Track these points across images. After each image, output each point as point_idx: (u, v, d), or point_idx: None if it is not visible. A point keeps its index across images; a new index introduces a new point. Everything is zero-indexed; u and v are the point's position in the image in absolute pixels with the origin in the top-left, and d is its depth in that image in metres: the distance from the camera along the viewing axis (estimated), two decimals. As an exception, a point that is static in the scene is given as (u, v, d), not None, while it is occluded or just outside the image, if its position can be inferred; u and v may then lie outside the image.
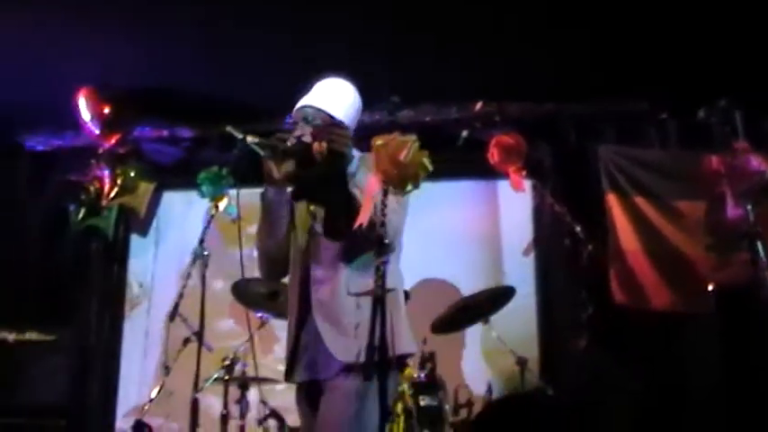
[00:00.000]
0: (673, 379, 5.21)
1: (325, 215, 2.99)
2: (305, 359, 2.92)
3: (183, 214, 6.40)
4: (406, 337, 2.95)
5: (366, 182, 2.80)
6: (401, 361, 2.97)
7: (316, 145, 2.79)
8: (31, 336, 5.53)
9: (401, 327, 2.93)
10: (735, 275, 4.76)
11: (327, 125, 2.86)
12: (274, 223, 3.01)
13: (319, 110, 2.99)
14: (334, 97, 3.06)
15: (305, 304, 2.93)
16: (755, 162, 4.34)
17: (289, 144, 2.82)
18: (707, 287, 5.16)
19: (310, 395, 2.94)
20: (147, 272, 6.38)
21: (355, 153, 2.92)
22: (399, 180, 2.71)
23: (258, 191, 6.41)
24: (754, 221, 3.31)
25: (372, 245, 2.69)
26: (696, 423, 5.00)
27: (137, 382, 6.13)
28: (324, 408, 2.83)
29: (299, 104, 3.05)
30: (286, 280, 3.11)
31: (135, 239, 6.56)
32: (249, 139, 2.85)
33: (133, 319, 6.34)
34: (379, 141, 2.78)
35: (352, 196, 2.75)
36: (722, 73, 5.05)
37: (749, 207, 3.31)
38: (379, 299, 2.58)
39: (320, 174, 2.86)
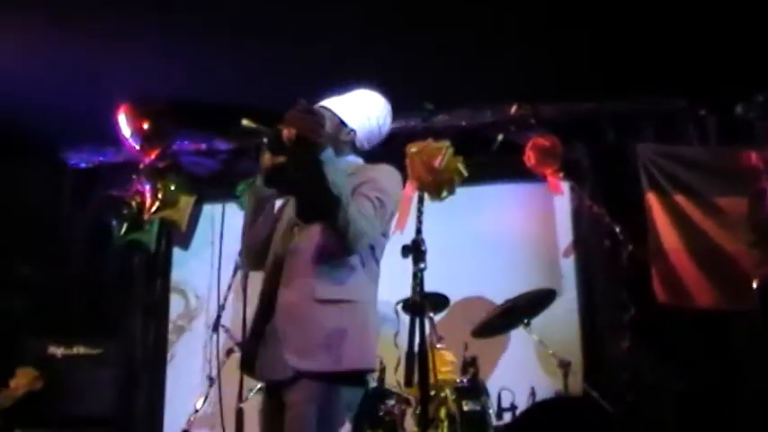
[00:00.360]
0: (718, 378, 5.14)
1: (296, 201, 2.99)
2: (263, 358, 2.91)
3: (225, 226, 6.44)
4: (365, 352, 2.90)
5: (364, 186, 2.83)
6: (357, 375, 2.90)
7: (285, 131, 2.75)
8: (79, 350, 5.63)
9: (361, 341, 2.87)
10: (779, 271, 4.70)
11: (299, 111, 2.76)
12: (257, 213, 3.03)
13: (325, 108, 3.03)
14: (345, 99, 3.10)
15: (270, 303, 2.91)
16: (794, 157, 4.29)
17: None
18: (751, 284, 5.10)
19: (270, 395, 2.94)
20: (202, 284, 6.42)
21: (358, 160, 2.98)
22: (434, 186, 2.74)
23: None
24: (795, 217, 3.26)
25: (343, 250, 2.75)
26: (743, 423, 4.93)
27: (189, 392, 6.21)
28: (287, 418, 2.81)
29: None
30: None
31: (184, 252, 6.64)
32: (245, 122, 2.85)
33: (194, 331, 6.41)
34: (413, 148, 2.81)
35: (327, 189, 2.66)
36: (760, 68, 4.99)
37: (789, 203, 3.27)
38: (417, 305, 2.59)
39: (293, 161, 2.82)
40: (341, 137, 3.03)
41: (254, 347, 2.94)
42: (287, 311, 2.85)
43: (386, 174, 2.99)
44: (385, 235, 2.99)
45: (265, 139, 2.87)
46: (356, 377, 2.88)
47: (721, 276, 5.42)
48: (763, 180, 4.56)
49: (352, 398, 2.88)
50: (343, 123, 3.04)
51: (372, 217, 2.81)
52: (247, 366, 2.98)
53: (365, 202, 2.82)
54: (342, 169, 2.77)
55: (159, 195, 6.17)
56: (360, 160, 3.05)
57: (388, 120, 3.17)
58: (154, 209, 6.18)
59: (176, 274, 6.51)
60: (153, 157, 6.06)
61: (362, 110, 3.09)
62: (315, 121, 2.74)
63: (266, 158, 2.93)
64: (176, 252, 6.66)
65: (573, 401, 4.69)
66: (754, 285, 5.08)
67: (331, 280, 2.83)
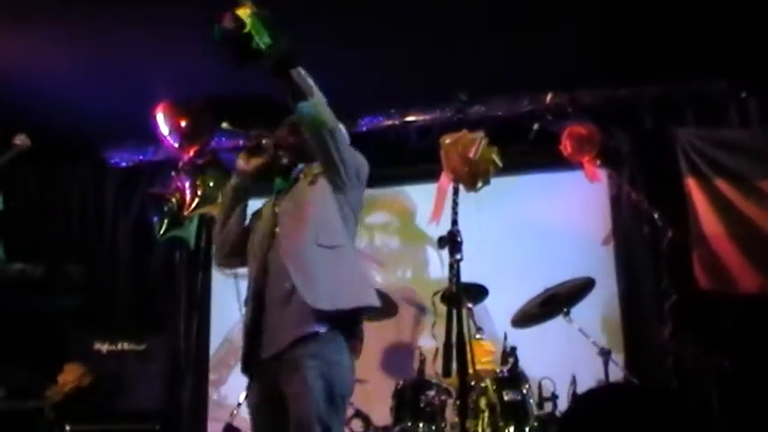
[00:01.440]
0: (763, 364, 5.08)
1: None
2: (267, 336, 2.94)
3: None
4: (359, 291, 2.98)
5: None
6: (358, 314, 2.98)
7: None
8: (123, 346, 5.73)
9: (350, 280, 2.96)
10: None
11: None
12: (228, 215, 3.28)
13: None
14: None
15: (261, 301, 2.99)
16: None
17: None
18: (797, 267, 5.03)
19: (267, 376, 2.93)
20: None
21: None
22: (470, 177, 2.74)
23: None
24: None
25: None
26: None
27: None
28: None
29: None
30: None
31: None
32: (224, 125, 3.10)
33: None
34: (447, 140, 2.82)
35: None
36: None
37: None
38: (454, 296, 2.61)
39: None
40: None
41: (254, 345, 2.98)
42: (292, 259, 2.93)
43: None
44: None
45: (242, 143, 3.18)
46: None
47: (765, 260, 5.35)
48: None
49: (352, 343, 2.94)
50: None
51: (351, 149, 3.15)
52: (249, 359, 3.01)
53: None
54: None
55: (198, 192, 6.23)
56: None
57: None
58: (193, 205, 6.25)
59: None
60: (192, 154, 6.18)
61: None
62: None
63: (242, 161, 3.27)
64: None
65: (615, 388, 4.66)
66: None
67: (332, 229, 3.01)
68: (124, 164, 7.00)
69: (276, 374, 2.85)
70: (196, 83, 5.78)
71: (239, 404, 4.69)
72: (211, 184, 6.27)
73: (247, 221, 3.30)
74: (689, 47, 5.25)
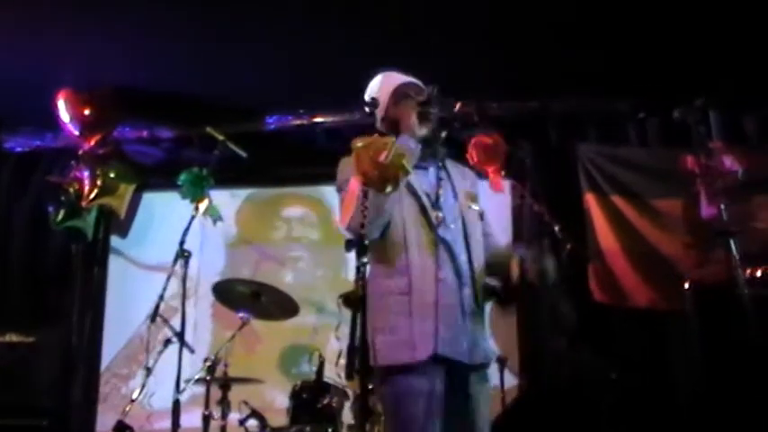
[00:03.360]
0: (653, 375, 5.26)
1: None
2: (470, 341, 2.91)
3: (164, 215, 6.39)
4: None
5: None
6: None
7: None
8: (13, 338, 5.52)
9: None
10: (713, 273, 4.81)
11: None
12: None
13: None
14: None
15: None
16: (728, 162, 4.40)
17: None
18: (683, 285, 5.21)
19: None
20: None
21: None
22: (379, 181, 2.73)
23: (237, 191, 6.37)
24: (727, 220, 3.35)
25: None
26: (678, 418, 5.05)
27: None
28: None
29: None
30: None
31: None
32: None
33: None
34: (359, 143, 2.80)
35: None
36: (702, 72, 5.11)
37: (723, 206, 3.35)
38: (360, 299, 2.60)
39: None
40: None
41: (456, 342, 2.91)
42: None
43: None
44: None
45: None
46: None
47: (657, 277, 5.54)
48: (698, 183, 4.66)
49: None
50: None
51: None
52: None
53: None
54: None
55: (98, 182, 6.07)
56: None
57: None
58: (92, 196, 6.08)
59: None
60: (93, 143, 6.03)
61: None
62: None
63: (415, 124, 3.07)
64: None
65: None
66: (686, 286, 5.18)
67: None
68: (20, 149, 6.73)
69: (467, 379, 2.88)
70: (101, 70, 5.65)
71: (132, 401, 4.57)
72: (112, 176, 6.13)
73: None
74: (595, 67, 5.40)
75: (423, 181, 3.08)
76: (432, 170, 3.13)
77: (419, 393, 2.78)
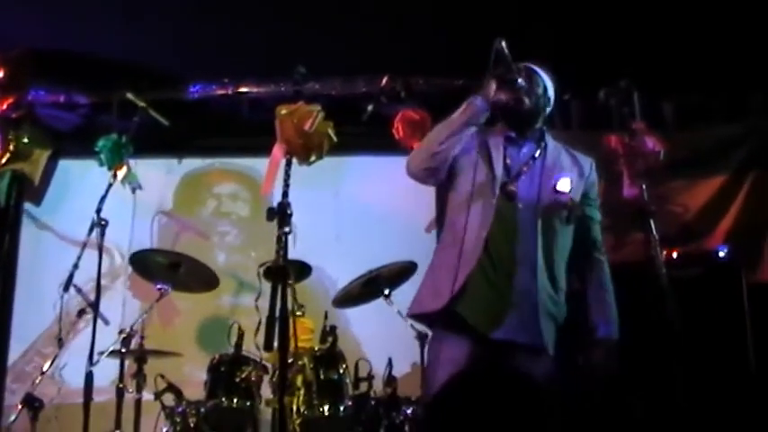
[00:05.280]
0: (571, 356, 5.33)
1: None
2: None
3: (81, 182, 6.21)
4: None
5: None
6: None
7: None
8: None
9: None
10: (630, 254, 4.90)
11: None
12: (465, 126, 3.08)
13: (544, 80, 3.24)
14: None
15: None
16: (651, 143, 4.47)
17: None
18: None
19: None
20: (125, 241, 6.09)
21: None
22: (303, 150, 2.70)
23: (156, 161, 6.26)
24: (648, 200, 3.40)
25: None
26: (594, 398, 5.15)
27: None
28: None
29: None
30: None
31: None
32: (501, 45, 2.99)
33: (115, 289, 6.12)
34: (283, 111, 2.76)
35: None
36: (623, 56, 5.17)
37: (644, 186, 3.40)
38: (280, 270, 2.56)
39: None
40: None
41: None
42: None
43: None
44: None
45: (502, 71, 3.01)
46: None
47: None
48: (620, 164, 4.73)
49: None
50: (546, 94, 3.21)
51: None
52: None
53: None
54: None
55: (11, 147, 5.87)
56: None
57: None
58: (4, 161, 5.88)
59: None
60: (5, 106, 5.81)
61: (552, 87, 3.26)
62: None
63: (493, 89, 3.04)
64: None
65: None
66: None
67: None
68: (-74, 111, 6.44)
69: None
70: (13, 30, 5.44)
71: (42, 373, 4.45)
72: (26, 140, 5.95)
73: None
74: (518, 46, 5.41)
75: (510, 154, 3.10)
76: (527, 147, 3.15)
77: None
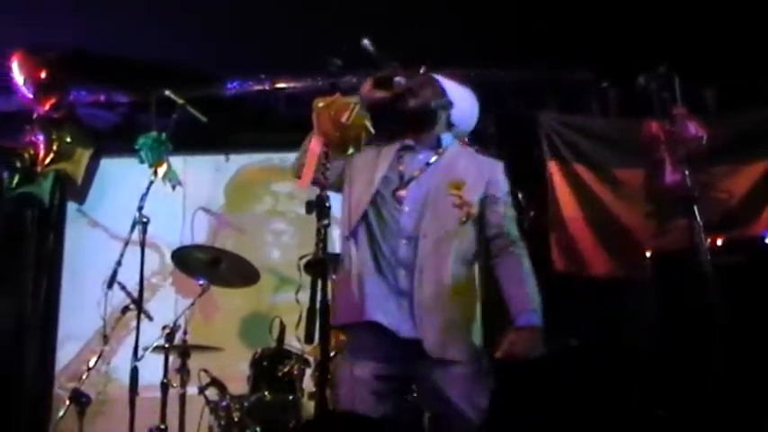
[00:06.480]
0: (612, 344, 5.29)
1: None
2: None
3: (122, 180, 6.27)
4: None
5: None
6: None
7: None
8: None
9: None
10: (673, 241, 4.84)
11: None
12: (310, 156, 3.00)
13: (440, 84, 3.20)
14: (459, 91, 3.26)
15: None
16: (693, 128, 4.41)
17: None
18: (644, 254, 5.24)
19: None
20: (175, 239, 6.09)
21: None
22: (341, 142, 2.70)
23: (200, 157, 6.29)
24: (691, 186, 3.36)
25: None
26: (634, 386, 5.10)
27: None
28: None
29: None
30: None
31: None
32: (366, 42, 2.97)
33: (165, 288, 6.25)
34: (320, 103, 2.77)
35: None
36: (661, 41, 5.10)
37: (687, 172, 3.36)
38: (320, 262, 2.56)
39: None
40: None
41: None
42: None
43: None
44: None
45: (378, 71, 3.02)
46: None
47: (617, 246, 5.57)
48: (661, 150, 4.67)
49: None
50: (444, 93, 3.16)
51: None
52: None
53: None
54: None
55: (54, 147, 5.96)
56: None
57: (476, 115, 3.32)
58: (48, 161, 5.97)
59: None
60: (48, 106, 5.89)
61: (461, 92, 3.24)
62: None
63: (366, 87, 3.03)
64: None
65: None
66: (647, 255, 5.21)
67: None
68: (-30, 112, 6.55)
69: None
70: (55, 31, 5.51)
71: (89, 369, 4.51)
72: (68, 140, 6.02)
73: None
74: (555, 34, 5.37)
75: (406, 161, 3.10)
76: (423, 154, 3.13)
77: None
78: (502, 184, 3.15)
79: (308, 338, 2.54)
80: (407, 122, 3.12)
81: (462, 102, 3.22)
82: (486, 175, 3.12)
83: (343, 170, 3.08)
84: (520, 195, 5.23)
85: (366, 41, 2.92)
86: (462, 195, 2.97)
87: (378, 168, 3.06)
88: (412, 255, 2.95)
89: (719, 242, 4.57)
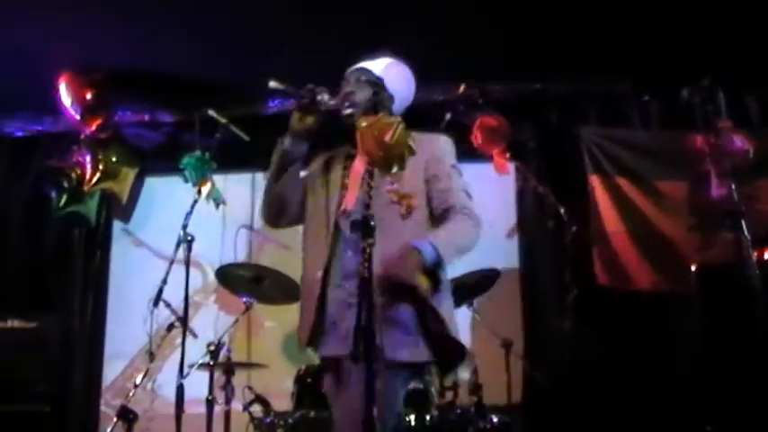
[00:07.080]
0: (656, 359, 5.24)
1: None
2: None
3: (167, 199, 6.36)
4: None
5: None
6: None
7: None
8: (14, 323, 5.50)
9: None
10: (718, 255, 4.79)
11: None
12: (281, 173, 3.09)
13: (367, 71, 3.16)
14: (389, 67, 3.22)
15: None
16: (738, 141, 4.36)
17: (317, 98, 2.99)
18: (689, 267, 5.18)
19: None
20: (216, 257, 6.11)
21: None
22: (384, 161, 2.70)
23: (241, 176, 6.33)
24: (738, 200, 3.32)
25: None
26: (679, 402, 5.04)
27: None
28: None
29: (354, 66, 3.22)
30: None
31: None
32: (272, 83, 2.94)
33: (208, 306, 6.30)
34: (363, 123, 2.77)
35: None
36: (703, 53, 5.05)
37: (733, 186, 3.32)
38: (365, 281, 2.57)
39: None
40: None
41: None
42: None
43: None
44: None
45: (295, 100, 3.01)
46: None
47: (660, 260, 5.52)
48: (706, 164, 4.63)
49: None
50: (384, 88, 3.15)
51: None
52: None
53: None
54: None
55: (100, 167, 6.05)
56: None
57: (413, 92, 3.30)
58: (94, 180, 6.06)
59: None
60: (94, 127, 6.00)
61: (401, 77, 3.25)
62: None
63: (294, 120, 3.03)
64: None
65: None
66: (693, 269, 5.16)
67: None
68: (20, 133, 6.68)
69: None
70: (98, 53, 5.60)
71: (136, 386, 4.56)
72: (114, 160, 6.12)
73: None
74: (597, 47, 5.35)
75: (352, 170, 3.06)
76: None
77: None
78: (442, 158, 3.12)
79: (354, 356, 2.55)
80: (348, 131, 3.05)
81: (396, 83, 3.21)
82: (426, 155, 3.04)
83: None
84: (562, 210, 5.25)
85: (272, 83, 2.94)
86: (399, 189, 2.79)
87: (326, 183, 3.11)
88: (355, 264, 2.81)
89: (767, 256, 4.51)
